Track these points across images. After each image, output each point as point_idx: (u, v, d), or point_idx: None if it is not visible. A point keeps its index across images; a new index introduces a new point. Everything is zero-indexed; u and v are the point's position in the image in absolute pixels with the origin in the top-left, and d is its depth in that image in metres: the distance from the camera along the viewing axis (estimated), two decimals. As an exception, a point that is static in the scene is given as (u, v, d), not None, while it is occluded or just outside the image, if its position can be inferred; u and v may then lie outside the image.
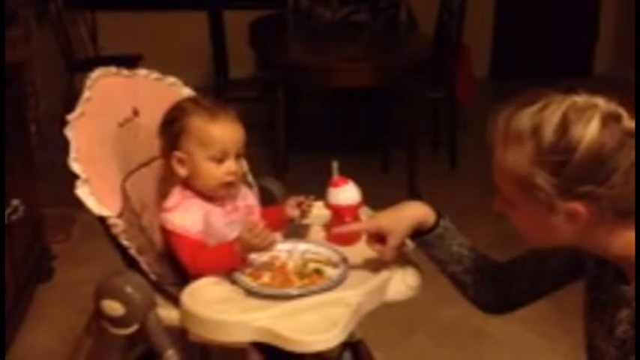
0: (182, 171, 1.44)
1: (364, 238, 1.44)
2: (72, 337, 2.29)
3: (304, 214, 1.53)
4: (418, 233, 1.37)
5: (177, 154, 1.43)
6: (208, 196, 1.44)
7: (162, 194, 1.51)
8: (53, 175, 3.13)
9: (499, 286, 1.35)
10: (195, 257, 1.37)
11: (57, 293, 2.64)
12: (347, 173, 1.55)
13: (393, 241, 1.35)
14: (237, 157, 1.45)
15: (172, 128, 1.44)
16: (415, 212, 1.36)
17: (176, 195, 1.44)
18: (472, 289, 1.38)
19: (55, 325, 2.43)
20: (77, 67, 4.30)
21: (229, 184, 1.44)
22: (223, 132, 1.42)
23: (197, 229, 1.40)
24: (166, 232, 1.42)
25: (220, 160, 1.41)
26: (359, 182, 1.56)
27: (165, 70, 1.69)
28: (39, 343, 2.34)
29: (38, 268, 2.63)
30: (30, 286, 2.55)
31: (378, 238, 1.37)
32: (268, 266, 1.39)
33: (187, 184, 1.45)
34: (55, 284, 2.70)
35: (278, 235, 1.55)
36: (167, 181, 1.52)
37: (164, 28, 5.18)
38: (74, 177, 1.36)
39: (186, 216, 1.40)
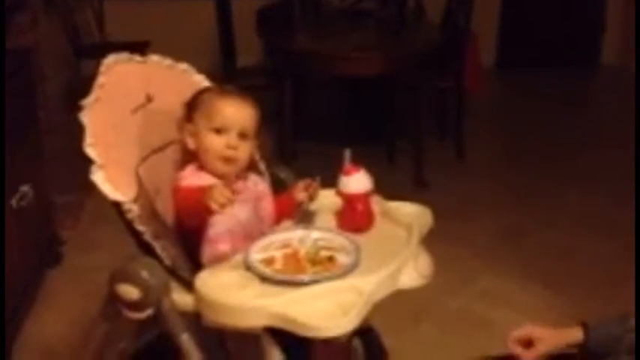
0: (191, 143, 1.50)
1: (377, 225, 1.45)
2: (80, 322, 2.31)
3: (312, 196, 1.55)
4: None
5: (188, 126, 1.51)
6: (217, 174, 1.47)
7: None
8: (60, 160, 3.15)
9: None
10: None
11: (65, 278, 2.65)
12: (353, 162, 1.56)
13: (540, 348, 1.42)
14: (243, 136, 1.48)
15: (189, 104, 1.53)
16: (569, 336, 1.43)
17: (189, 168, 1.50)
18: None
19: (63, 309, 2.44)
20: (84, 53, 4.30)
21: (229, 160, 1.47)
22: (227, 106, 1.48)
23: None
24: (178, 192, 1.44)
25: (220, 132, 1.47)
26: (365, 171, 1.56)
27: (172, 58, 1.70)
28: (47, 327, 2.35)
29: (47, 253, 2.65)
30: (39, 271, 2.56)
31: (523, 342, 1.45)
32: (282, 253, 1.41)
33: (198, 161, 1.50)
34: (64, 270, 2.72)
35: (289, 223, 1.56)
36: (183, 165, 1.54)
37: (171, 15, 5.16)
38: (82, 162, 1.37)
39: (199, 182, 1.43)
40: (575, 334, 1.42)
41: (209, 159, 1.48)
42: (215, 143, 1.47)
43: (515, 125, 4.58)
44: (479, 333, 2.38)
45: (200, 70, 1.72)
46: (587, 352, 1.41)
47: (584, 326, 1.43)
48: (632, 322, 1.38)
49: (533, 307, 2.52)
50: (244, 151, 1.50)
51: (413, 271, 1.40)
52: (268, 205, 1.56)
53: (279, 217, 1.56)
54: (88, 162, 1.39)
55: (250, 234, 1.46)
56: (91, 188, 1.38)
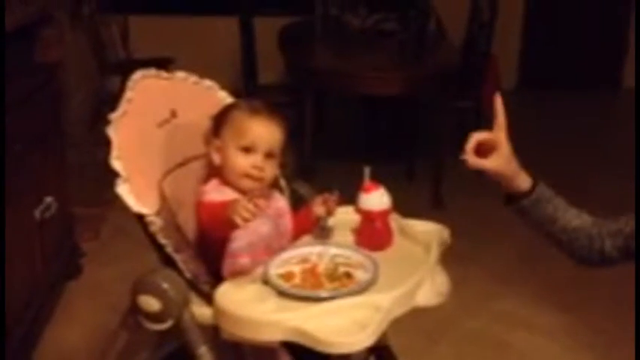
0: (217, 158, 1.51)
1: (395, 243, 1.46)
2: (98, 334, 2.34)
3: (330, 211, 1.56)
4: (513, 198, 1.46)
5: (215, 141, 1.51)
6: (240, 191, 1.48)
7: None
8: (81, 174, 3.20)
9: (593, 242, 1.40)
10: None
11: (85, 290, 2.68)
12: (372, 179, 1.57)
13: (488, 164, 1.46)
14: (268, 156, 1.50)
15: (218, 118, 1.54)
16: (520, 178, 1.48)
17: (212, 183, 1.51)
18: (567, 246, 1.45)
19: (82, 321, 2.47)
20: (109, 69, 4.37)
21: (253, 178, 1.48)
22: (256, 126, 1.49)
23: None
24: (202, 207, 1.46)
25: (248, 152, 1.48)
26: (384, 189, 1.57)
27: (194, 74, 1.73)
28: (66, 338, 2.38)
29: (68, 265, 2.68)
30: (59, 282, 2.59)
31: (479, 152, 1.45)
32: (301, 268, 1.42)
33: (222, 176, 1.51)
34: (84, 281, 2.75)
35: (308, 238, 1.58)
36: (206, 179, 1.56)
37: (195, 32, 5.24)
38: (102, 176, 1.40)
39: (222, 197, 1.44)
40: (524, 181, 1.45)
41: (234, 177, 1.49)
42: (241, 162, 1.48)
43: (534, 148, 4.53)
44: (495, 355, 2.37)
45: (221, 87, 1.75)
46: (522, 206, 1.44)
47: (535, 181, 1.44)
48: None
49: (550, 329, 2.51)
50: (270, 170, 1.51)
51: (430, 289, 1.41)
52: (288, 221, 1.57)
53: (298, 232, 1.57)
54: (109, 175, 1.42)
55: (271, 248, 1.48)
56: (112, 201, 1.41)
